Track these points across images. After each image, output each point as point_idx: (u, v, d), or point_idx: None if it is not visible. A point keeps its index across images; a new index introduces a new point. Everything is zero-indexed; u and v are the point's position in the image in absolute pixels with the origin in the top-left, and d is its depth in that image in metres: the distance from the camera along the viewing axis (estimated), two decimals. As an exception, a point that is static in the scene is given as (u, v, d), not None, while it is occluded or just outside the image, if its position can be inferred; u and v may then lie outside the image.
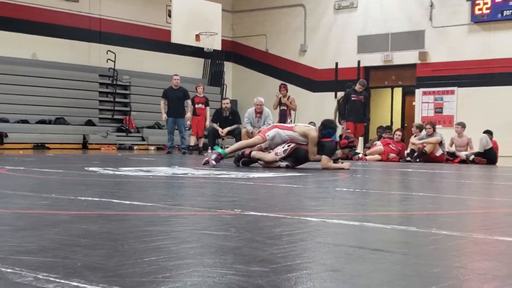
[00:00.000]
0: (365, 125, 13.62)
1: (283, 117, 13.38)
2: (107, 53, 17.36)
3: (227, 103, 13.46)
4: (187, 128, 13.92)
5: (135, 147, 16.71)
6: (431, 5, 17.11)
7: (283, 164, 7.66)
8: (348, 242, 2.38)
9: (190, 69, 19.41)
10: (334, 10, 18.88)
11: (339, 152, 7.80)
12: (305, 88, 19.45)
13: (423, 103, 17.40)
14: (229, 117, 13.39)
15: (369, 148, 12.98)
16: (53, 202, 3.59)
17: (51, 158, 9.96)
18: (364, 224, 2.83)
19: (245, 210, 3.25)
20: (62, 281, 1.58)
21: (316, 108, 18.93)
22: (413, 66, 17.57)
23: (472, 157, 11.54)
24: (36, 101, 15.75)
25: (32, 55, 16.34)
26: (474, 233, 2.67)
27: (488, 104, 16.10)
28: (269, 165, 7.69)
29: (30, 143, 15.08)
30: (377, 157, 12.15)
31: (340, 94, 15.37)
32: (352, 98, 13.17)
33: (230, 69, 21.11)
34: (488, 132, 11.75)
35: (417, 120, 16.28)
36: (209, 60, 20.26)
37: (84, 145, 16.03)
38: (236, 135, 13.13)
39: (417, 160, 11.77)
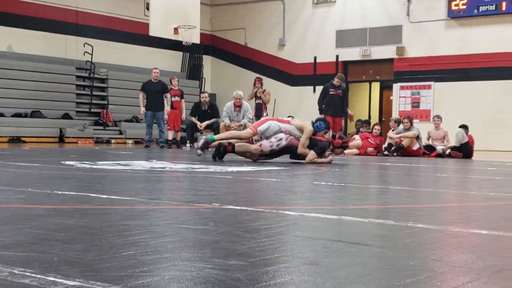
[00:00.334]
0: (343, 119, 13.68)
1: (258, 111, 13.36)
2: (84, 46, 17.17)
3: (205, 97, 13.39)
4: (165, 122, 13.86)
5: (113, 141, 16.59)
6: (409, 0, 17.23)
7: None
8: (326, 235, 2.39)
9: (169, 62, 19.30)
10: (313, 4, 18.91)
11: (330, 157, 7.86)
12: (284, 82, 19.48)
13: (401, 98, 17.54)
14: (207, 111, 13.33)
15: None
16: (29, 196, 3.55)
17: (27, 151, 9.84)
18: (342, 217, 2.85)
19: (224, 204, 3.25)
20: (38, 276, 1.57)
21: (295, 102, 18.99)
22: (390, 60, 17.69)
23: (448, 151, 11.67)
24: (11, 94, 15.54)
25: (7, 48, 16.11)
26: (450, 227, 2.70)
27: (464, 99, 16.30)
28: (251, 156, 7.70)
29: (6, 137, 14.88)
30: (355, 151, 12.23)
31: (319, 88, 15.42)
32: (330, 92, 13.21)
33: (208, 62, 21.04)
34: (464, 127, 11.89)
35: (395, 115, 16.41)
36: (188, 53, 20.16)
37: (61, 139, 15.87)
38: (214, 129, 13.08)
39: (395, 154, 11.87)
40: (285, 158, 8.15)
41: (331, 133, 9.20)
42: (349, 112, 14.00)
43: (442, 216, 3.27)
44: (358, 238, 2.31)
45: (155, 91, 13.45)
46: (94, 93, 17.67)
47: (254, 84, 13.88)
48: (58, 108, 16.41)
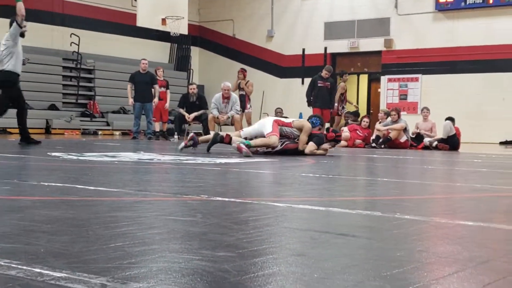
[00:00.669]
0: (331, 111, 13.71)
1: (242, 102, 13.35)
2: (70, 36, 17.05)
3: (194, 89, 13.35)
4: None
5: (100, 132, 16.51)
6: (397, -7, 17.28)
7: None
8: (314, 227, 2.40)
9: (156, 53, 19.22)
10: (301, -4, 18.89)
11: (325, 145, 8.01)
12: (273, 74, 19.47)
13: (388, 90, 17.61)
14: (195, 102, 13.28)
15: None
16: (14, 188, 3.52)
17: (13, 143, 9.77)
18: (329, 209, 2.86)
19: (212, 195, 3.25)
20: (25, 267, 1.56)
21: (283, 94, 19.00)
22: (378, 53, 17.73)
23: (435, 143, 11.75)
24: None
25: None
26: (436, 218, 2.72)
27: (451, 91, 16.39)
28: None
29: (-9, 128, 14.76)
30: (344, 143, 12.26)
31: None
32: (319, 84, 13.22)
33: (196, 54, 20.97)
34: (451, 119, 11.97)
35: (382, 107, 16.48)
36: (176, 44, 20.09)
37: (47, 130, 15.77)
38: (202, 120, 13.07)
39: (382, 146, 11.92)
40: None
41: (325, 127, 9.37)
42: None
43: (428, 207, 3.29)
44: (345, 229, 2.32)
45: (143, 82, 13.38)
46: (81, 84, 17.57)
47: (238, 75, 13.91)
48: (45, 99, 16.29)
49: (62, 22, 17.21)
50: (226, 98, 12.16)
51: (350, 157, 8.76)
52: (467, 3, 16.21)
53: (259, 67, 19.52)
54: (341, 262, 1.74)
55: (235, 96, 12.46)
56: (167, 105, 14.22)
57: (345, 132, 12.64)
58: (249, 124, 12.99)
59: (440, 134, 11.93)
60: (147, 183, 4.20)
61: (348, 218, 2.65)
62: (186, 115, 13.15)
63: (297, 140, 7.82)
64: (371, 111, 17.84)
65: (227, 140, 7.54)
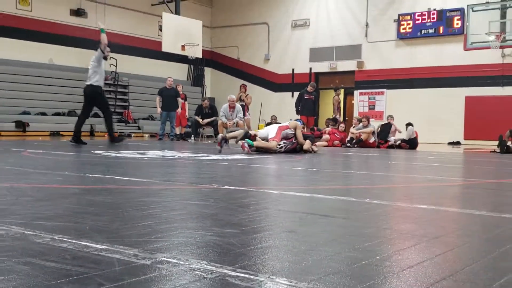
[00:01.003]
0: (315, 118, 13.68)
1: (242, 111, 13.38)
2: (110, 59, 17.03)
3: (206, 104, 13.51)
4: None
5: (133, 135, 16.49)
6: (367, 25, 17.26)
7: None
8: (302, 209, 2.40)
9: (177, 72, 19.20)
10: (291, 27, 18.88)
11: (317, 143, 8.30)
12: (268, 89, 19.46)
13: (360, 101, 17.58)
14: (208, 112, 13.44)
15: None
16: (66, 178, 3.52)
17: (65, 143, 9.76)
18: (314, 195, 2.85)
19: (221, 184, 3.25)
20: (74, 241, 1.56)
21: (277, 105, 18.98)
22: (352, 72, 17.71)
23: (398, 142, 11.78)
24: (52, 97, 15.41)
25: (49, 60, 15.96)
26: (398, 202, 2.71)
27: (410, 102, 16.38)
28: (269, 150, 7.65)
29: (48, 131, 14.75)
30: (324, 143, 12.26)
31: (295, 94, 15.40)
32: (305, 97, 13.21)
33: (209, 73, 20.95)
34: (410, 124, 11.98)
35: (355, 115, 16.45)
36: (192, 65, 20.07)
37: (92, 133, 15.75)
38: (214, 125, 13.09)
39: (355, 146, 11.91)
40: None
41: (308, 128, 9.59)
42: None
43: (392, 194, 3.29)
44: (326, 211, 2.32)
45: (169, 96, 13.48)
46: (118, 96, 17.56)
47: (240, 89, 13.99)
48: (89, 108, 16.25)
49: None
50: (232, 107, 12.17)
51: (330, 154, 8.75)
52: (423, 32, 16.19)
53: (258, 83, 19.50)
54: (323, 237, 1.74)
55: (239, 106, 12.45)
56: (187, 114, 14.37)
57: (326, 134, 12.63)
58: (249, 127, 13.07)
59: (402, 135, 11.95)
60: (170, 175, 4.20)
61: (329, 203, 2.65)
62: (200, 120, 13.22)
63: (295, 140, 7.85)
64: (347, 118, 17.82)
65: (253, 138, 7.59)
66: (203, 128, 13.58)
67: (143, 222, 1.90)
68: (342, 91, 16.86)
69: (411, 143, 11.56)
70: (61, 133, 14.94)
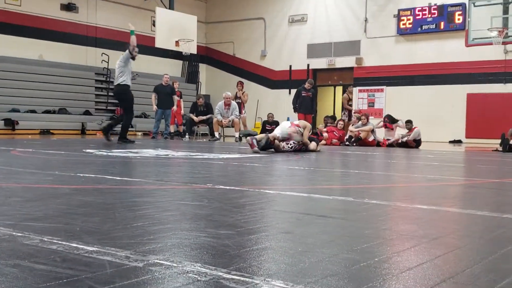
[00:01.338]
0: (313, 116, 13.69)
1: (238, 109, 13.39)
2: (101, 56, 17.00)
3: (201, 102, 13.53)
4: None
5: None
6: (366, 20, 17.27)
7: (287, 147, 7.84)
8: (299, 210, 2.40)
9: (171, 69, 19.17)
10: (289, 23, 18.87)
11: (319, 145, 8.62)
12: (265, 86, 19.45)
13: (359, 99, 17.60)
14: (203, 109, 13.44)
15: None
16: (56, 178, 3.51)
17: (55, 141, 9.74)
18: (311, 195, 2.85)
19: (216, 184, 3.24)
20: (64, 242, 1.56)
21: (273, 102, 18.98)
22: (351, 69, 17.72)
23: (405, 138, 11.77)
24: (42, 94, 15.36)
25: (39, 57, 15.89)
26: (397, 202, 2.72)
27: (410, 100, 16.41)
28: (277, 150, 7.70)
29: (37, 129, 14.71)
30: (323, 142, 12.27)
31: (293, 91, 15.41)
32: (303, 94, 13.21)
33: (204, 69, 20.92)
34: (409, 122, 12.02)
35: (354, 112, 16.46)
36: (187, 62, 20.03)
37: (83, 131, 15.72)
38: (209, 123, 13.09)
39: (354, 144, 11.93)
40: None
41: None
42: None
43: (391, 194, 3.29)
44: (324, 212, 2.32)
45: (165, 93, 13.44)
46: (110, 94, 17.50)
47: (237, 86, 13.99)
48: (80, 106, 16.25)
49: (94, 44, 17.16)
50: (227, 105, 12.17)
51: (328, 153, 8.76)
52: (423, 28, 16.22)
53: (254, 80, 19.49)
54: (321, 238, 1.74)
55: (234, 103, 12.46)
56: (182, 111, 14.36)
57: (324, 132, 12.66)
58: (245, 125, 13.10)
59: (401, 132, 12.09)
60: (163, 174, 4.19)
61: (326, 203, 2.65)
62: (195, 118, 13.23)
63: (301, 142, 7.93)
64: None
65: (273, 142, 7.59)
66: (198, 126, 13.59)
67: (135, 223, 1.90)
68: (353, 89, 16.84)
69: (416, 142, 11.66)
70: (51, 131, 14.89)
